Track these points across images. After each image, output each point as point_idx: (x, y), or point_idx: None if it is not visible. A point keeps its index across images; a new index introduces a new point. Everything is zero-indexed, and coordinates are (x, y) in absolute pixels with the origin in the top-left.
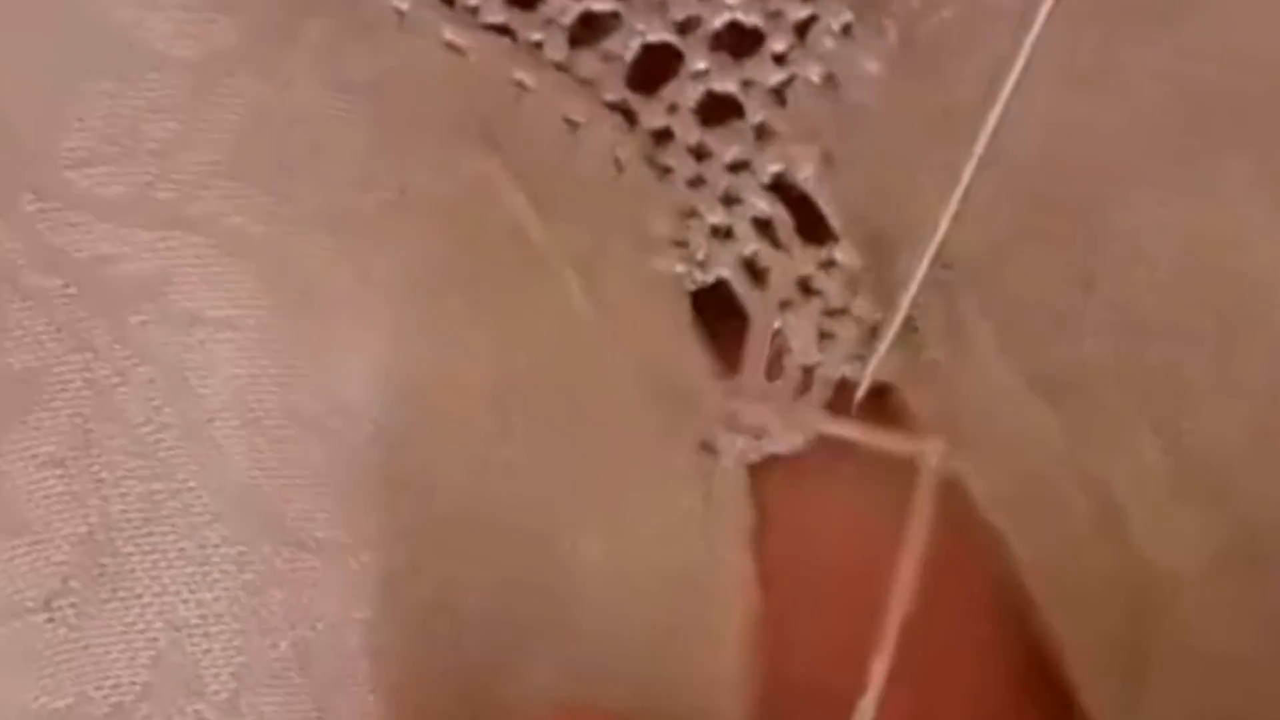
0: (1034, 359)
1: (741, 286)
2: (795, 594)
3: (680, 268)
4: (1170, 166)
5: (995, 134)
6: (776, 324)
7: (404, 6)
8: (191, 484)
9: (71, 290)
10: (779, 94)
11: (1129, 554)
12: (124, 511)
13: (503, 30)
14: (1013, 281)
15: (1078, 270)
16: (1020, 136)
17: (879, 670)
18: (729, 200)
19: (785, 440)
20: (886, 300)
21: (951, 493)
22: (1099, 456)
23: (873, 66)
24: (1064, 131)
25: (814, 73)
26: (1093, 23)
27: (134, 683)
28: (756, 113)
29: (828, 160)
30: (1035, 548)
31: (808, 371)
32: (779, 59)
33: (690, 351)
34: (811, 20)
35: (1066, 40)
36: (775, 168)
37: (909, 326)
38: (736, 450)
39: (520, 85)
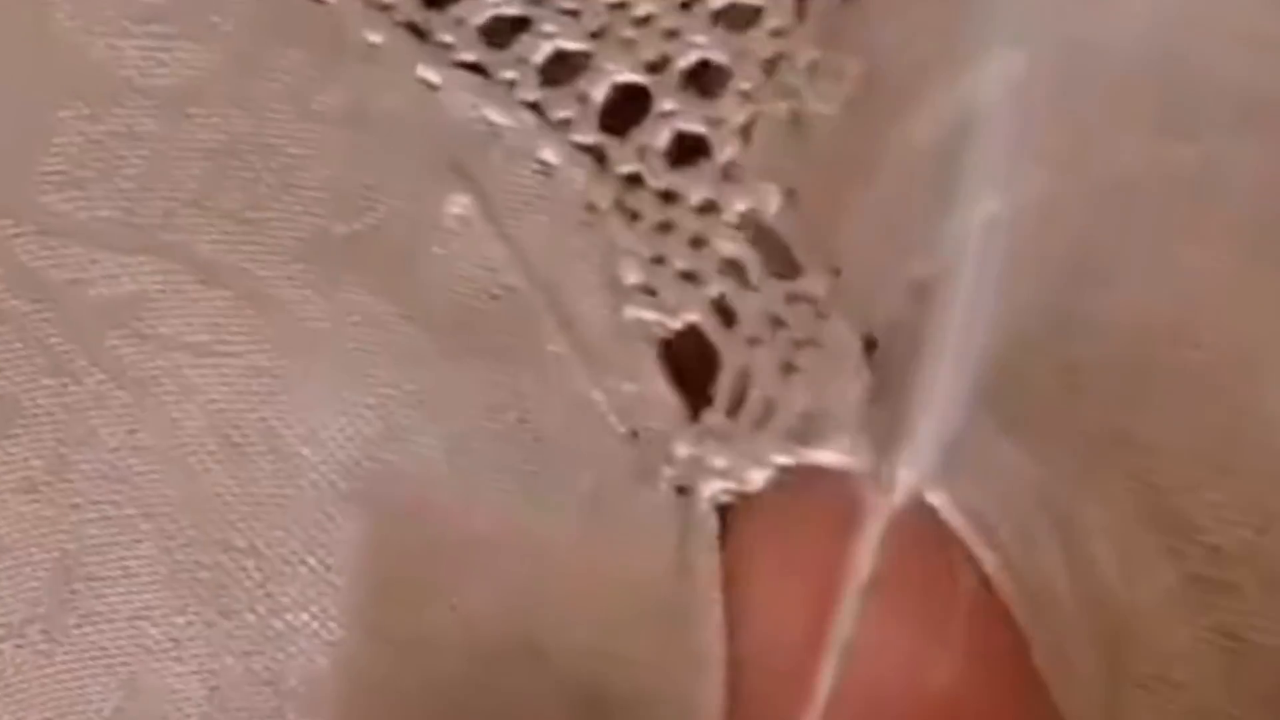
0: (1003, 398)
1: (712, 328)
2: (767, 639)
3: (651, 315)
4: (1139, 213)
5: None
6: (745, 360)
7: (377, 40)
8: (165, 508)
9: (47, 314)
10: (746, 132)
11: (1097, 584)
12: (97, 536)
13: (476, 68)
14: (989, 310)
15: (1044, 326)
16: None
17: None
18: (697, 243)
19: (749, 479)
20: (854, 328)
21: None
22: (1067, 492)
23: (835, 106)
24: (1046, 210)
25: (780, 109)
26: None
27: (104, 708)
28: (723, 152)
29: (792, 195)
30: (1013, 577)
31: (768, 406)
32: (745, 96)
33: (662, 396)
34: (779, 58)
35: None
36: (742, 206)
37: (878, 353)
38: (709, 493)
39: (491, 125)
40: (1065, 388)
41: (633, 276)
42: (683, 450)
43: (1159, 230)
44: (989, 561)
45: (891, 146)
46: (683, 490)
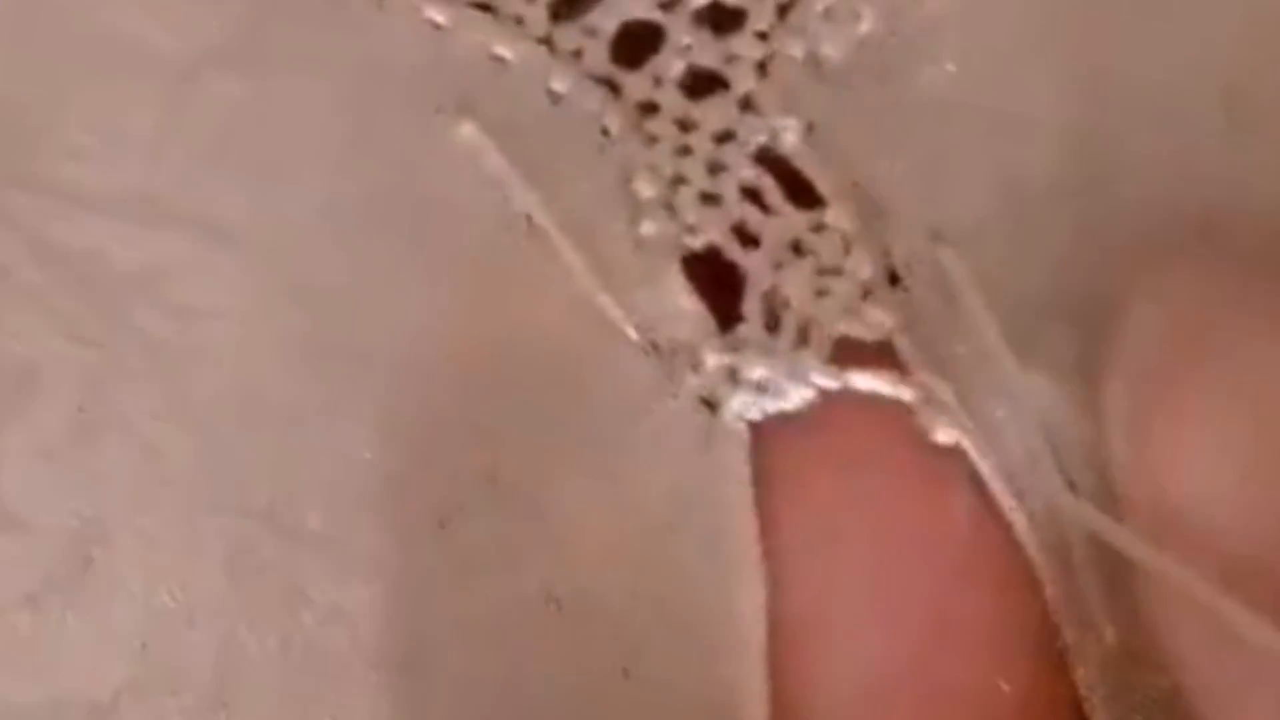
0: (1024, 341)
1: (734, 249)
2: (794, 554)
3: (670, 230)
4: (1152, 152)
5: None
6: (771, 282)
7: None
8: (184, 474)
9: (65, 283)
10: (762, 67)
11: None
12: (116, 503)
13: (483, 7)
14: (1008, 261)
15: (1061, 255)
16: (1024, 121)
17: None
18: (715, 169)
19: (792, 396)
20: (879, 260)
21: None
22: (1087, 431)
23: (848, 50)
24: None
25: (796, 49)
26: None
27: (118, 677)
28: (741, 85)
29: (811, 129)
30: (1037, 531)
31: (804, 327)
32: (761, 36)
33: (687, 307)
34: (793, 2)
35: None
36: (760, 139)
37: (900, 288)
38: (737, 405)
39: (500, 60)
40: (1080, 343)
41: (650, 191)
42: (713, 360)
43: (1170, 173)
44: (1015, 517)
45: (907, 94)
46: (707, 403)
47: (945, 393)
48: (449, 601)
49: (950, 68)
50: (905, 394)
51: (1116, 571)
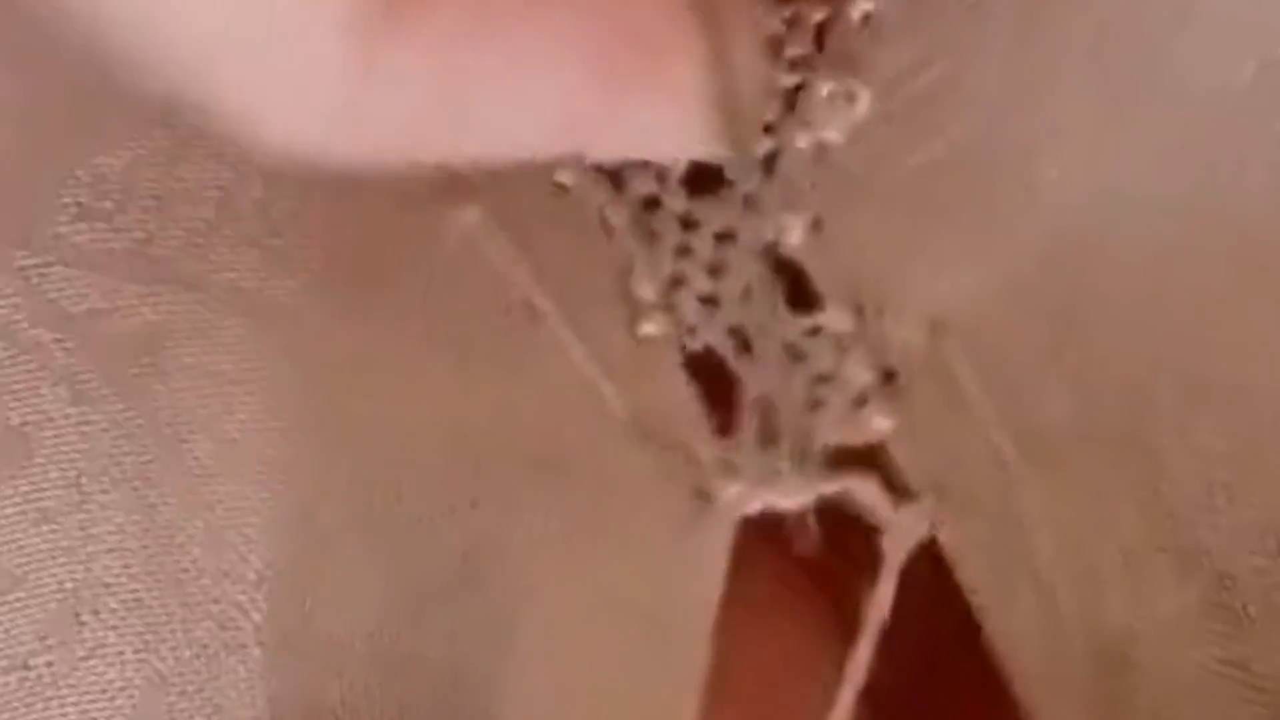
0: (1021, 422)
1: (729, 353)
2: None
3: (670, 331)
4: (1141, 232)
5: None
6: (765, 390)
7: None
8: (180, 539)
9: (68, 345)
10: (768, 163)
11: (1103, 614)
12: (109, 567)
13: None
14: (1002, 345)
15: (1052, 335)
16: (1014, 200)
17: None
18: (715, 270)
19: (791, 499)
20: (876, 362)
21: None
22: (1077, 518)
23: (851, 132)
24: (1047, 195)
25: (802, 141)
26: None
27: None
28: (745, 183)
29: (816, 226)
30: (1011, 611)
31: (799, 438)
32: (767, 129)
33: (685, 404)
34: (798, 88)
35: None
36: (763, 236)
37: (900, 387)
38: (731, 498)
39: None
40: (1074, 415)
41: (649, 294)
42: (707, 454)
43: (1160, 252)
44: (988, 606)
45: (907, 175)
46: (701, 494)
47: (929, 514)
48: (429, 676)
49: (942, 145)
50: (889, 512)
51: (1115, 659)
